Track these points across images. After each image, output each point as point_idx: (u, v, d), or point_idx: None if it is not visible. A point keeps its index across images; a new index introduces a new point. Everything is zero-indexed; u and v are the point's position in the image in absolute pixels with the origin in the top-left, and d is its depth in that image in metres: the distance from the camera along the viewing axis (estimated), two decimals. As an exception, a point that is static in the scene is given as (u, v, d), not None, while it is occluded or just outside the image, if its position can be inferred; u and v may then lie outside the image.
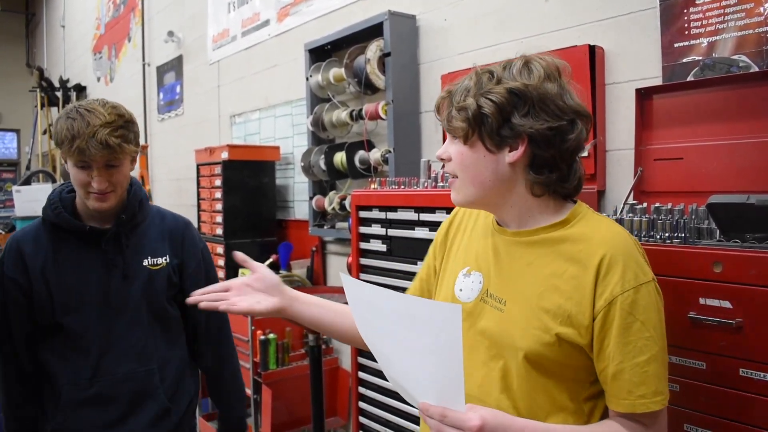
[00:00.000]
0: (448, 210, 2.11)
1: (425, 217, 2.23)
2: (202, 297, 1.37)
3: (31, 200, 6.78)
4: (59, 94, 8.77)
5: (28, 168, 9.89)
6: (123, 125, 1.67)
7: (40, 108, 9.48)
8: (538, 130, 1.11)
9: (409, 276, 2.31)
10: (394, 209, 2.36)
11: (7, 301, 1.75)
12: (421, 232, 2.25)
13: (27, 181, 7.82)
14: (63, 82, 8.80)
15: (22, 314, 1.75)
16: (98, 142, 1.60)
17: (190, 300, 1.37)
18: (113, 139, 1.62)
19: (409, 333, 1.04)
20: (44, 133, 9.45)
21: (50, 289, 1.72)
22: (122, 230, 1.78)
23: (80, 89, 8.53)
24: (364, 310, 1.17)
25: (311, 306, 1.44)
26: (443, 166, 1.23)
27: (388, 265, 2.41)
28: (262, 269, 1.42)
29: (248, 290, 1.39)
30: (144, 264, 1.82)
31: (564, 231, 1.16)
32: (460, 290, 1.25)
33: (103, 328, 1.75)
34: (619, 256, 1.08)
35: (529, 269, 1.17)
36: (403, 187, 2.40)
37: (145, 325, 1.80)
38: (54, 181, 7.57)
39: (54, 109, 9.08)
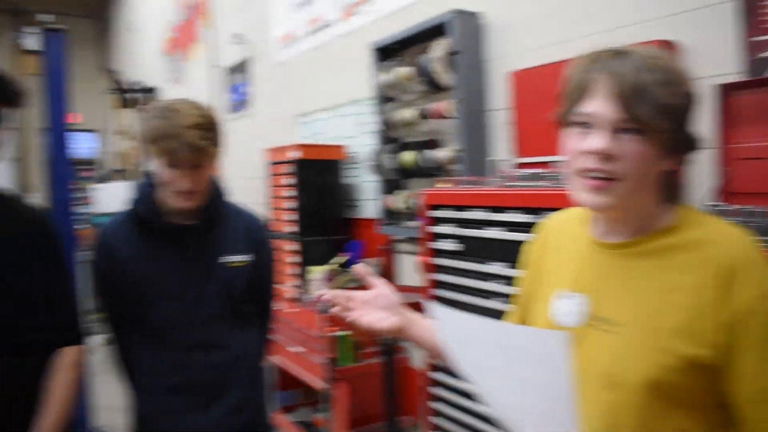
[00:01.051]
0: (520, 210, 2.11)
1: (497, 216, 2.22)
2: (334, 299, 1.32)
3: (108, 197, 7.11)
4: (132, 96, 9.10)
5: (104, 167, 10.30)
6: (210, 127, 1.73)
7: (114, 109, 9.85)
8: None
9: (482, 276, 2.31)
10: (465, 208, 2.37)
11: (99, 290, 1.87)
12: (492, 232, 2.24)
13: (104, 179, 8.18)
14: (135, 84, 9.11)
15: (113, 303, 1.87)
16: (187, 145, 1.65)
17: (325, 297, 1.35)
18: (202, 141, 1.68)
19: (510, 365, 0.97)
20: (118, 133, 9.83)
21: (134, 280, 1.81)
22: (203, 227, 1.85)
23: (151, 91, 8.82)
24: (460, 341, 1.10)
25: (427, 330, 1.34)
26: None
27: (461, 265, 2.42)
28: (383, 287, 1.34)
29: (369, 306, 1.31)
30: (223, 261, 1.88)
31: (676, 237, 1.03)
32: (558, 315, 1.13)
33: (183, 321, 1.83)
34: (742, 260, 0.96)
35: (642, 285, 1.03)
36: (475, 186, 2.40)
37: (222, 319, 1.87)
38: (127, 179, 7.87)
39: (127, 111, 9.41)
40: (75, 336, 1.78)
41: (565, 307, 1.12)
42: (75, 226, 4.67)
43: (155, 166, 1.75)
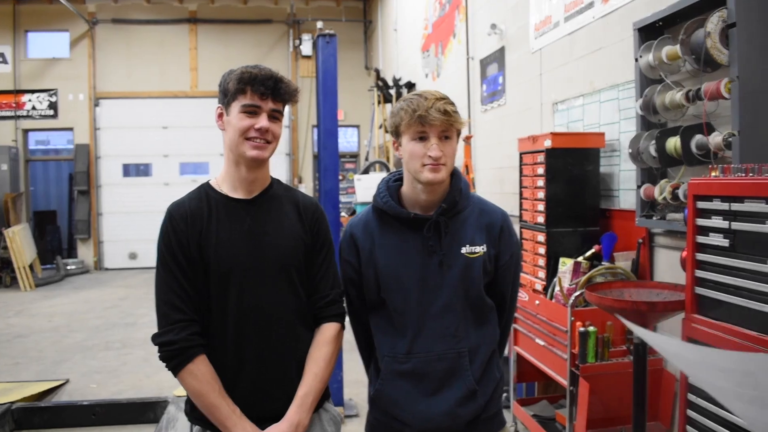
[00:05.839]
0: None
1: (780, 209, 1.94)
2: None
3: (369, 187, 7.63)
4: (392, 91, 9.64)
5: (366, 159, 11.08)
6: (453, 103, 1.85)
7: (376, 105, 10.54)
8: None
9: (756, 276, 2.04)
10: (739, 200, 2.10)
11: (345, 278, 2.01)
12: (773, 227, 1.97)
13: (366, 171, 8.80)
14: (396, 81, 9.64)
15: (356, 290, 2.01)
16: (437, 110, 1.78)
17: None
18: (449, 107, 1.81)
19: (730, 383, 0.91)
20: (380, 127, 10.49)
21: (377, 269, 1.92)
22: (443, 218, 1.90)
23: (410, 86, 9.25)
24: (686, 365, 1.05)
25: None
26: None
27: (730, 263, 2.15)
28: None
29: None
30: (462, 251, 1.91)
31: None
32: None
33: (420, 309, 1.89)
34: None
35: None
36: (751, 174, 2.12)
37: (458, 310, 1.90)
38: (389, 170, 8.37)
39: (388, 105, 10.01)
40: (339, 313, 1.98)
41: None
42: (340, 214, 5.13)
43: (405, 144, 1.87)
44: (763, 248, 2.02)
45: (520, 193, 4.00)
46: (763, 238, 2.02)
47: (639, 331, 1.05)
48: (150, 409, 4.64)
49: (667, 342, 1.01)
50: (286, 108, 1.95)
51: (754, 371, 0.86)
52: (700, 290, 2.31)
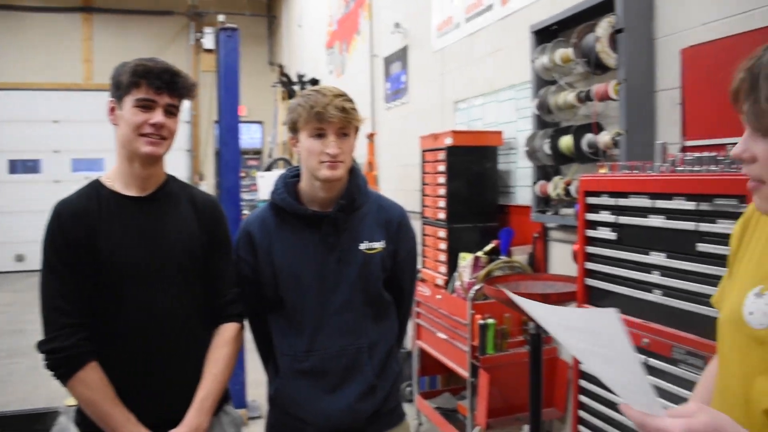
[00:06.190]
0: (688, 197, 1.95)
1: (661, 204, 2.07)
2: None
3: (272, 184, 7.55)
4: (296, 88, 9.54)
5: (270, 156, 10.92)
6: (351, 100, 1.86)
7: (280, 101, 10.41)
8: None
9: (640, 267, 2.17)
10: (625, 195, 2.23)
11: (241, 277, 1.96)
12: (655, 220, 2.09)
13: (269, 168, 8.69)
14: (300, 77, 9.55)
15: (252, 289, 1.96)
16: (335, 107, 1.78)
17: None
18: (348, 104, 1.81)
19: (584, 343, 1.00)
20: (284, 124, 10.36)
21: (274, 267, 1.90)
22: (341, 214, 1.90)
23: (315, 83, 9.18)
24: (542, 321, 1.14)
25: None
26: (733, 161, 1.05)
27: (617, 255, 2.28)
28: None
29: None
30: (360, 248, 1.91)
31: None
32: (751, 313, 1.01)
33: (319, 307, 1.89)
34: None
35: None
36: (635, 171, 2.25)
37: (357, 306, 1.91)
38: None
39: (292, 102, 9.92)
40: (238, 312, 1.94)
41: (759, 305, 1.01)
42: (241, 211, 5.04)
43: (302, 141, 1.86)
44: (646, 240, 2.15)
45: (422, 190, 4.07)
46: (646, 231, 2.14)
47: (515, 298, 1.11)
48: (39, 421, 4.38)
49: (536, 308, 1.07)
50: (187, 103, 1.89)
51: (595, 328, 0.93)
52: (590, 281, 2.42)
